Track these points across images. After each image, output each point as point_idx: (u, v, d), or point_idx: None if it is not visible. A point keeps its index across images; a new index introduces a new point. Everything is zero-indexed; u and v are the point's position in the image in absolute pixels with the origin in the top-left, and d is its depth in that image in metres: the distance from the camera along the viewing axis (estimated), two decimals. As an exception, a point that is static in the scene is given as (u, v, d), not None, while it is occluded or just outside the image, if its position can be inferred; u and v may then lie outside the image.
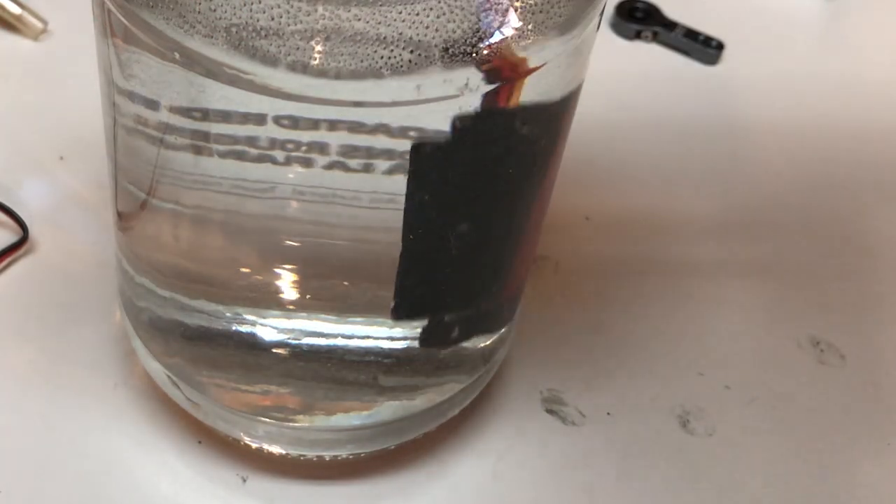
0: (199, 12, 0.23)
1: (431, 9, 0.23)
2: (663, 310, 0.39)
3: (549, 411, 0.36)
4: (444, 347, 0.30)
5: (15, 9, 0.45)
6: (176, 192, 0.27)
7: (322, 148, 0.24)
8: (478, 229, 0.27)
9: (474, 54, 0.23)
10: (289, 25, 0.23)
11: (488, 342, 0.32)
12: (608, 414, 0.36)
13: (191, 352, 0.31)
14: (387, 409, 0.31)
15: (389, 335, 0.29)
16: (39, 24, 0.46)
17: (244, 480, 0.33)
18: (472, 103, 0.24)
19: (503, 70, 0.24)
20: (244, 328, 0.29)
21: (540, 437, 0.35)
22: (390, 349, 0.30)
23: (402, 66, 0.23)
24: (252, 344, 0.30)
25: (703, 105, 0.48)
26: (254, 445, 0.33)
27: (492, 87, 0.24)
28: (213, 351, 0.30)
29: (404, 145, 0.24)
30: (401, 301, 0.28)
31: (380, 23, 0.23)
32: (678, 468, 0.35)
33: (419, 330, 0.29)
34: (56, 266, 0.38)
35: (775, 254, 0.42)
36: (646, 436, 0.36)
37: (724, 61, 0.50)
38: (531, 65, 0.24)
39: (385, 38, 0.23)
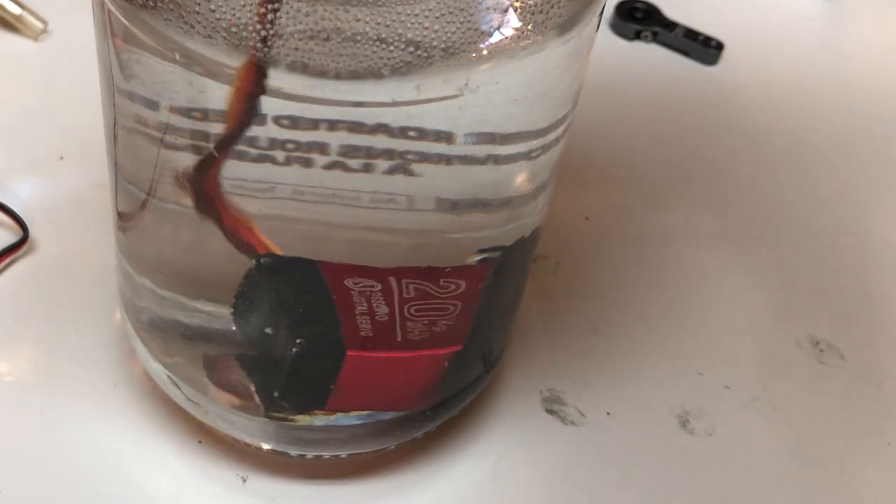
0: (199, 13, 0.23)
1: (431, 9, 0.23)
2: (663, 310, 0.39)
3: (549, 411, 0.36)
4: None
5: (15, 9, 0.45)
6: (176, 192, 0.27)
7: (322, 148, 0.24)
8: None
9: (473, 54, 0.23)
10: (289, 25, 0.23)
11: None
12: (608, 414, 0.36)
13: (191, 352, 0.31)
14: (387, 409, 0.31)
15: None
16: (39, 24, 0.46)
17: (244, 480, 0.33)
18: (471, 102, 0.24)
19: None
20: (244, 328, 0.29)
21: (540, 437, 0.35)
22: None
23: (401, 66, 0.23)
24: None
25: (703, 105, 0.48)
26: (254, 445, 0.33)
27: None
28: (213, 351, 0.30)
29: (404, 145, 0.24)
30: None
31: (379, 23, 0.23)
32: (678, 468, 0.35)
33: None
34: (56, 266, 0.38)
35: (775, 254, 0.42)
36: (646, 436, 0.36)
37: (723, 61, 0.50)
38: None
39: (385, 38, 0.23)
